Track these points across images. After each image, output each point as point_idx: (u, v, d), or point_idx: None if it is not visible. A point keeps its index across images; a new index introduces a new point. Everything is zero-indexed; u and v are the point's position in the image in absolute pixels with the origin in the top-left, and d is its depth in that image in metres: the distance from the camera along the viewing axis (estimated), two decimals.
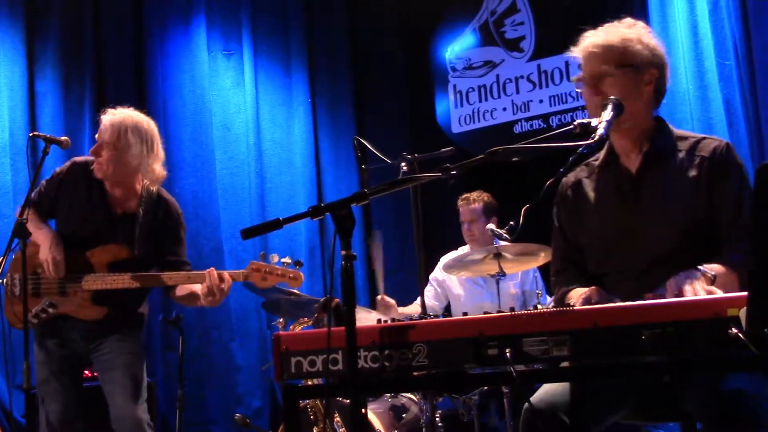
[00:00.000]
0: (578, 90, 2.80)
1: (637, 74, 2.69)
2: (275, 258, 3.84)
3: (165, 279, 3.82)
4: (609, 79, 2.67)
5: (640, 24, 2.81)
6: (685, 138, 2.76)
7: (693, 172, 2.66)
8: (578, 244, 2.85)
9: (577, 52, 2.77)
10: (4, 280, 3.91)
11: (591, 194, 2.83)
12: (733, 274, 2.45)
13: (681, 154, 2.71)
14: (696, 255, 2.52)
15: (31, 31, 5.84)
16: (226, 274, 3.76)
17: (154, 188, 3.98)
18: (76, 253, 3.86)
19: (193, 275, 3.83)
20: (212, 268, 3.75)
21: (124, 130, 3.84)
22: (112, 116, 3.89)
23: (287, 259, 3.89)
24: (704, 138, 2.74)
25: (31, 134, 4.18)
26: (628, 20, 2.79)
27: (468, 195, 5.45)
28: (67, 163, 4.01)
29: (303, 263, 3.93)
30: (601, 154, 2.84)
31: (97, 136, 3.91)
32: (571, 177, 2.90)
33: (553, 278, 2.94)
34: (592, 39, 2.73)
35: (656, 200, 2.68)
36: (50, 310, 3.82)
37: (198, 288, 3.84)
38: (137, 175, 3.92)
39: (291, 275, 3.88)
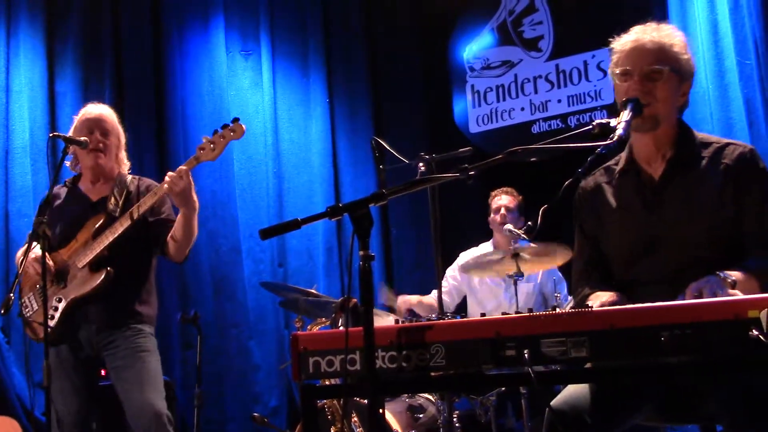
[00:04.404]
0: (618, 82, 2.67)
1: (680, 82, 2.67)
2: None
3: (134, 210, 3.82)
4: (660, 79, 2.60)
5: (680, 32, 2.75)
6: (708, 143, 2.70)
7: (717, 180, 2.60)
8: (600, 249, 2.81)
9: (623, 44, 2.67)
10: (20, 303, 3.96)
11: (612, 200, 2.78)
12: (754, 280, 2.42)
13: (704, 161, 2.65)
14: (721, 264, 2.46)
15: (51, 31, 5.90)
16: (180, 168, 3.76)
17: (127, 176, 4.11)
18: (64, 248, 3.92)
19: (155, 189, 3.84)
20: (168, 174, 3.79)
21: (112, 119, 4.03)
22: (100, 108, 4.05)
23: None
24: (728, 144, 2.68)
25: (51, 135, 4.20)
26: (668, 25, 2.73)
27: (511, 189, 5.41)
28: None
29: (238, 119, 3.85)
30: (622, 159, 2.78)
31: (92, 127, 3.97)
32: (590, 181, 2.85)
33: (575, 278, 2.90)
34: (645, 35, 2.65)
35: (680, 208, 2.63)
36: (59, 305, 3.85)
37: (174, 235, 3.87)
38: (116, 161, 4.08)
39: (230, 129, 3.82)
